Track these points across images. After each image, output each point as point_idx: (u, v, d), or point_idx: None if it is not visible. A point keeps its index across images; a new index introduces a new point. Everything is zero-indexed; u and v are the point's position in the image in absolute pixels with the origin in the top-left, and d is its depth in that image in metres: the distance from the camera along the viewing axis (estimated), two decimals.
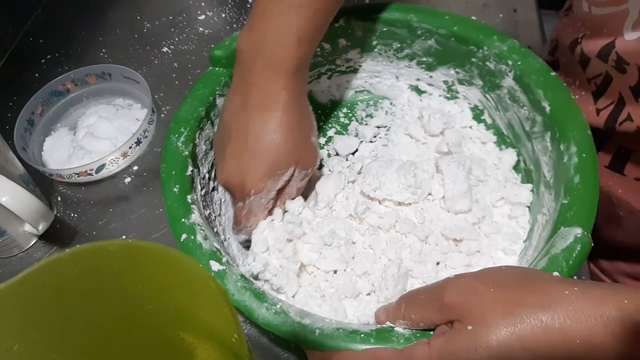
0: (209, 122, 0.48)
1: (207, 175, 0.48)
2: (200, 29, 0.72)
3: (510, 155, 0.50)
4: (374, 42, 0.54)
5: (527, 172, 0.48)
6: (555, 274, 0.33)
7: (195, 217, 0.40)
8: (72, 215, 0.55)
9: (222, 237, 0.46)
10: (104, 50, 0.71)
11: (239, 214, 0.45)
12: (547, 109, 0.43)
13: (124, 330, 0.29)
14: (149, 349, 0.30)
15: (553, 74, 0.45)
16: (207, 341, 0.31)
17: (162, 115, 0.63)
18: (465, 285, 0.31)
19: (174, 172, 0.43)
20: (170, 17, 0.74)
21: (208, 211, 0.46)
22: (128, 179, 0.57)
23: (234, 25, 0.72)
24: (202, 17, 0.74)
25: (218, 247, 0.39)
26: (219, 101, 0.49)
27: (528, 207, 0.47)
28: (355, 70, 0.58)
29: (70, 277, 0.26)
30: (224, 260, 0.38)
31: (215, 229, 0.45)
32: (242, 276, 0.37)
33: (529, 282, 0.30)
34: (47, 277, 0.25)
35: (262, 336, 0.44)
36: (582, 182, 0.38)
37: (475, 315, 0.29)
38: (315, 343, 0.33)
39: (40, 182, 0.56)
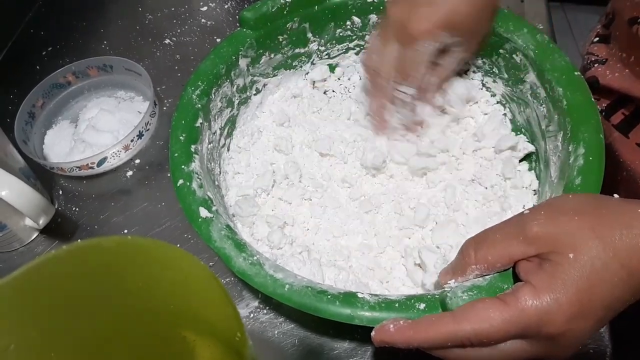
0: (227, 80, 0.50)
1: (218, 132, 0.49)
2: (203, 20, 0.71)
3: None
4: None
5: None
6: (616, 196, 0.33)
7: (194, 165, 0.42)
8: (74, 209, 0.54)
9: (224, 192, 0.48)
10: (105, 42, 0.70)
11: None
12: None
13: (124, 328, 0.28)
14: (150, 346, 0.30)
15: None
16: (209, 339, 0.30)
17: (164, 108, 0.62)
18: (547, 216, 0.31)
19: (183, 122, 0.45)
20: (172, 9, 0.73)
21: (212, 164, 0.47)
22: (130, 173, 0.57)
23: (237, 17, 0.71)
24: (205, 8, 0.73)
25: (212, 196, 0.41)
26: (242, 62, 0.50)
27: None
28: None
29: (67, 274, 0.25)
30: (213, 209, 0.40)
31: (216, 182, 0.46)
32: (227, 226, 0.39)
33: (603, 206, 0.31)
34: (43, 275, 0.24)
35: (266, 332, 0.44)
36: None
37: (569, 244, 0.29)
38: (284, 297, 0.35)
39: (41, 175, 0.55)
